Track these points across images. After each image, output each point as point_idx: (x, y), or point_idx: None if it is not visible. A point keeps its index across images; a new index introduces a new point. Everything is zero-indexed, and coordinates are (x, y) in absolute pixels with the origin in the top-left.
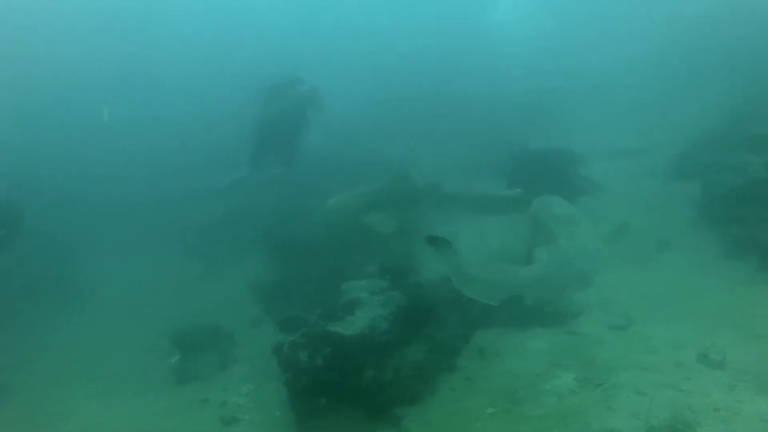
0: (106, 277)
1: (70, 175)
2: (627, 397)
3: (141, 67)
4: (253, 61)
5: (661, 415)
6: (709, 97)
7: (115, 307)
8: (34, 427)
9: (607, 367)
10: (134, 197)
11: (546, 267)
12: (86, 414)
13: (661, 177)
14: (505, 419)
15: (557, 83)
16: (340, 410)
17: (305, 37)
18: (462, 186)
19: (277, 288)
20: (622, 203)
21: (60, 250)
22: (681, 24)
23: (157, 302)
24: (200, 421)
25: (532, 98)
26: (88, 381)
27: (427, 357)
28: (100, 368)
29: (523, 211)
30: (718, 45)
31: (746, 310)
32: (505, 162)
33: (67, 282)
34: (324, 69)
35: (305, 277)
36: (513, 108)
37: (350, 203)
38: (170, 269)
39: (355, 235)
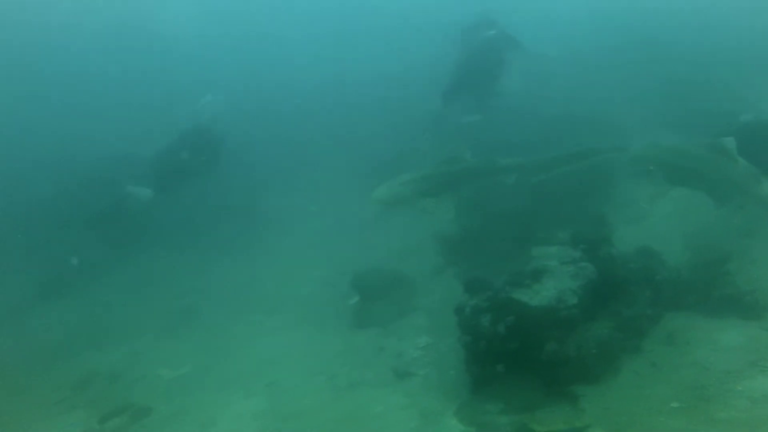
0: (297, 212)
1: (275, 109)
2: None
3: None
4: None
5: None
6: None
7: (302, 242)
8: (214, 351)
9: None
10: (333, 136)
11: None
12: (263, 347)
13: None
14: (689, 417)
15: None
16: (517, 380)
17: None
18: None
19: (463, 242)
20: None
21: (255, 182)
22: None
23: (343, 241)
24: (374, 370)
25: None
26: (268, 313)
27: (613, 335)
28: (280, 302)
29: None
30: None
31: None
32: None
33: (257, 213)
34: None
35: (493, 234)
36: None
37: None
38: (360, 209)
39: (550, 197)
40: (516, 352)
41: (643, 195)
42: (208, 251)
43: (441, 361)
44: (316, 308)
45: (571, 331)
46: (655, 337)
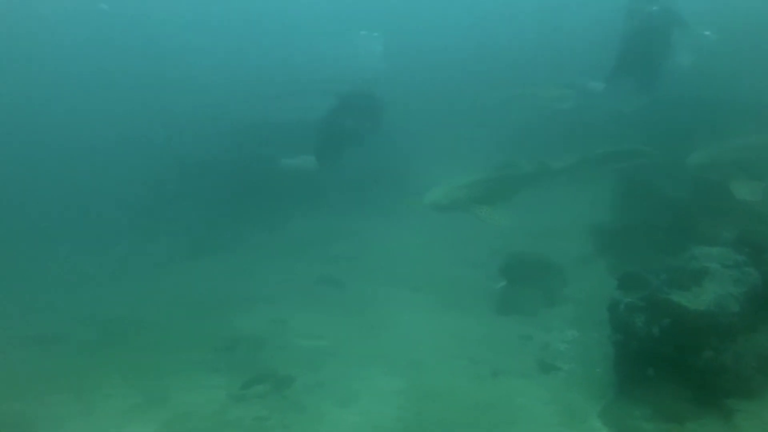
0: None
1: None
2: None
3: None
4: None
5: None
6: None
7: (453, 219)
8: (357, 324)
9: None
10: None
11: None
12: (406, 323)
13: None
14: None
15: None
16: (667, 387)
17: None
18: None
19: (618, 230)
20: None
21: (417, 149)
22: None
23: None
24: (517, 359)
25: None
26: (414, 290)
27: None
28: (427, 279)
29: None
30: None
31: None
32: None
33: (411, 181)
34: None
35: (651, 226)
36: None
37: (717, 159)
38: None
39: (714, 190)
40: (669, 357)
41: None
42: (361, 219)
43: (588, 357)
44: (462, 289)
45: (731, 341)
46: None
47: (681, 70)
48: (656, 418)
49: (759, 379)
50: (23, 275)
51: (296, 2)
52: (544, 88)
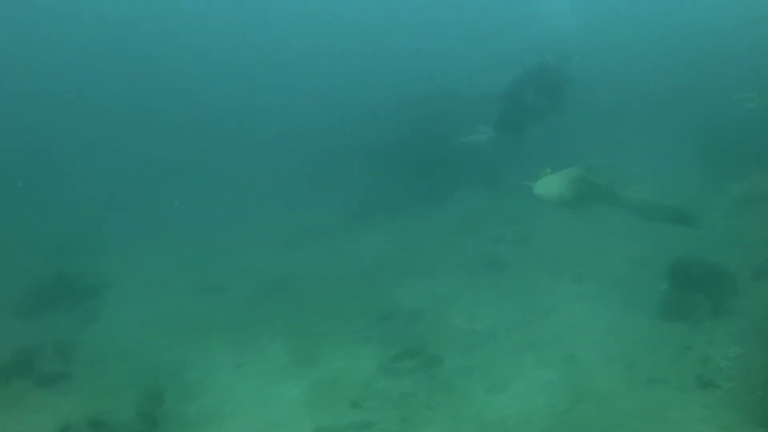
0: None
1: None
2: None
3: None
4: None
5: None
6: None
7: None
8: (514, 309)
9: None
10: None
11: None
12: (565, 315)
13: None
14: None
15: None
16: None
17: None
18: None
19: None
20: None
21: (597, 131)
22: None
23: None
24: (676, 370)
25: None
26: (576, 281)
27: None
28: (590, 270)
29: None
30: None
31: None
32: None
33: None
34: None
35: None
36: None
37: None
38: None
39: None
40: None
41: None
42: (531, 200)
43: (750, 378)
44: (625, 286)
45: None
46: None
47: None
48: None
49: None
50: (200, 231)
51: None
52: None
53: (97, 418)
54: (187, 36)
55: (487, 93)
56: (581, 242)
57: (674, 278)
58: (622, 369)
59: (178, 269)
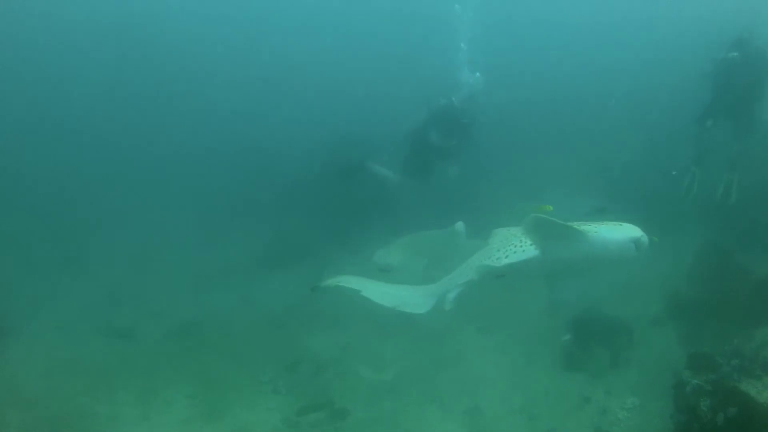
0: None
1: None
2: None
3: None
4: None
5: None
6: None
7: None
8: (420, 360)
9: None
10: None
11: None
12: (469, 366)
13: None
14: None
15: None
16: None
17: None
18: None
19: (695, 298)
20: None
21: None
22: None
23: None
24: (575, 422)
25: None
26: (482, 330)
27: None
28: (495, 320)
29: None
30: None
31: None
32: None
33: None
34: None
35: (731, 301)
36: None
37: None
38: None
39: None
40: None
41: None
42: None
43: (646, 428)
44: (528, 336)
45: None
46: None
47: None
48: None
49: None
50: (110, 267)
51: None
52: None
53: None
54: None
55: (393, 134)
56: (488, 292)
57: (577, 328)
58: (524, 420)
59: (85, 312)
